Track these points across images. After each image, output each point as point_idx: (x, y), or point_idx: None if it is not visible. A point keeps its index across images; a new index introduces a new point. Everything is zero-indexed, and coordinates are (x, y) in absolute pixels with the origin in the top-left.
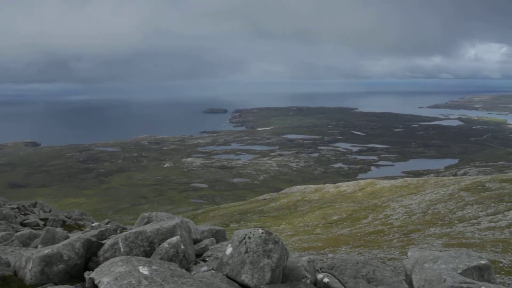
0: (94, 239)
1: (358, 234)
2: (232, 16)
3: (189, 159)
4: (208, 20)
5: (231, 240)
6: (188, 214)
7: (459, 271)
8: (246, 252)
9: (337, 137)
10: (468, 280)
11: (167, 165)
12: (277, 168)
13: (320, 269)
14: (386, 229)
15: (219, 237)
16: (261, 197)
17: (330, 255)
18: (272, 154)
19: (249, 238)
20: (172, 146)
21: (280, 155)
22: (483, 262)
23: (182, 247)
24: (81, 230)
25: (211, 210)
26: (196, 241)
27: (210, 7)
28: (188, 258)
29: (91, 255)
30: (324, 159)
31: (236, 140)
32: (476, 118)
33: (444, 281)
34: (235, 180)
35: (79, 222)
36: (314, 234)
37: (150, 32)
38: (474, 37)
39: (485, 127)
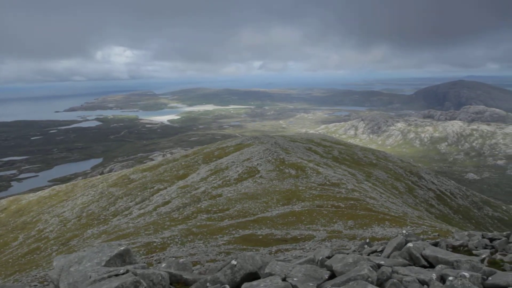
0: None
1: (10, 260)
2: None
3: None
4: None
5: None
6: None
7: (103, 264)
8: None
9: None
10: (111, 269)
11: None
12: None
13: None
14: (42, 245)
15: None
16: None
17: None
18: None
19: None
20: None
21: None
22: (122, 248)
23: None
24: None
25: None
26: None
27: None
28: None
29: None
30: None
31: None
32: (112, 116)
33: (90, 277)
34: None
35: None
36: None
37: None
38: (104, 41)
39: (121, 124)
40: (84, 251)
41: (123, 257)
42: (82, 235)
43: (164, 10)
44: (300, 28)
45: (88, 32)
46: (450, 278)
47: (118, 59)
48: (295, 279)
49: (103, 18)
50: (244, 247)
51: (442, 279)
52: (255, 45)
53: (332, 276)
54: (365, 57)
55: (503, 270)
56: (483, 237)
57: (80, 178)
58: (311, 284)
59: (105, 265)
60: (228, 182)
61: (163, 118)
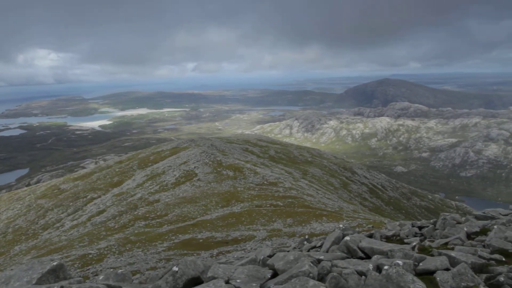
0: None
1: None
2: None
3: None
4: None
5: None
6: None
7: (34, 282)
8: None
9: None
10: (44, 286)
11: None
12: None
13: None
14: None
15: None
16: None
17: None
18: None
19: None
20: None
21: None
22: (55, 263)
23: None
24: None
25: None
26: None
27: None
28: None
29: None
30: None
31: None
32: (38, 124)
33: None
34: None
35: None
36: None
37: None
38: (26, 43)
39: (49, 131)
40: (11, 270)
41: (56, 273)
42: (8, 252)
43: (95, 14)
44: (235, 29)
45: (8, 33)
46: (386, 267)
47: (43, 62)
48: (238, 280)
49: (25, 18)
50: (185, 252)
51: (378, 268)
52: (189, 47)
53: (275, 274)
54: (297, 57)
55: (432, 255)
56: (412, 226)
57: (4, 191)
58: (254, 284)
59: (36, 283)
60: (165, 187)
61: (94, 124)
